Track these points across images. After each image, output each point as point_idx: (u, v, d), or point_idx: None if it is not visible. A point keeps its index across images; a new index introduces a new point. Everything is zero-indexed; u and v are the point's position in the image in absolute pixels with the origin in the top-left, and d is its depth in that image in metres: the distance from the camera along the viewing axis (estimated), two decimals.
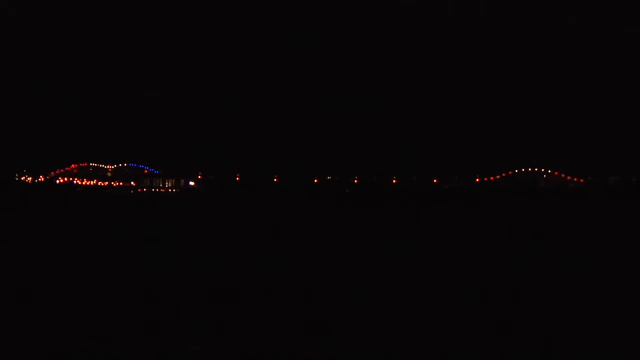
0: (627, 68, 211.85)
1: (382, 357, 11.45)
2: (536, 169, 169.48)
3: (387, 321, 13.98)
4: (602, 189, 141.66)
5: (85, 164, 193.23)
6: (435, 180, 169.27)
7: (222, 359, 11.31)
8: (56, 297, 16.06)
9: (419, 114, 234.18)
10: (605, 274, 21.06)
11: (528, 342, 12.38)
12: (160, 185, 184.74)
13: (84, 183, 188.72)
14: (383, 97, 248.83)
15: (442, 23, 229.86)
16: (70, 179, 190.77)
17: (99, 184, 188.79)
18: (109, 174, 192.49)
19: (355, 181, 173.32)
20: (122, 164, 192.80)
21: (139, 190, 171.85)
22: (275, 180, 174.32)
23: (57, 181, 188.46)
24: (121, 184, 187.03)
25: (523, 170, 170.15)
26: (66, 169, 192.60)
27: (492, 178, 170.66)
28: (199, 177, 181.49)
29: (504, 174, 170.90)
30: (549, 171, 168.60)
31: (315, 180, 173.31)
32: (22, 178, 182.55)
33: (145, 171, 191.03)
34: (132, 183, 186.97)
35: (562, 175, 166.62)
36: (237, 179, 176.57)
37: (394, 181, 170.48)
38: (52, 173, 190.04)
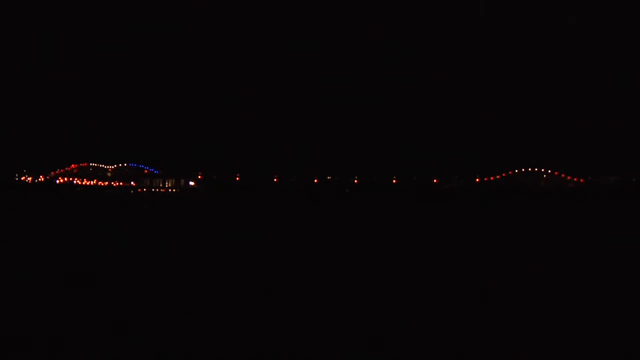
0: (627, 68, 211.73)
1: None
2: (536, 169, 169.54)
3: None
4: (602, 188, 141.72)
5: (85, 164, 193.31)
6: (435, 180, 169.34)
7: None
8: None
9: (419, 114, 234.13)
10: (605, 273, 21.06)
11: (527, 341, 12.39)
12: (160, 185, 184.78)
13: (84, 183, 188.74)
14: (383, 97, 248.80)
15: (442, 23, 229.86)
16: (70, 179, 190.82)
17: (99, 184, 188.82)
18: (109, 174, 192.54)
19: (355, 181, 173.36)
20: (122, 164, 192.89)
21: (139, 190, 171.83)
22: (275, 180, 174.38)
23: (57, 181, 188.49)
24: (121, 184, 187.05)
25: (523, 170, 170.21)
26: (66, 169, 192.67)
27: (492, 178, 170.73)
28: (199, 177, 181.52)
29: (504, 174, 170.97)
30: (549, 171, 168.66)
31: (315, 180, 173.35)
32: (22, 178, 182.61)
33: (145, 171, 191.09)
34: (132, 183, 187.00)
35: (562, 175, 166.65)
36: (237, 179, 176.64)
37: (394, 181, 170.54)
38: (52, 173, 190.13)
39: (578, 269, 22.16)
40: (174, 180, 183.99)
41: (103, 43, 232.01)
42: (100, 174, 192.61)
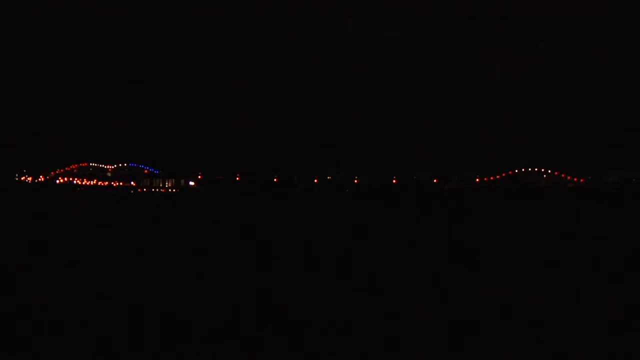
0: (627, 67, 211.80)
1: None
2: (536, 169, 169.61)
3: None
4: (602, 188, 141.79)
5: (85, 164, 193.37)
6: (435, 180, 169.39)
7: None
8: None
9: (419, 114, 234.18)
10: (604, 274, 21.06)
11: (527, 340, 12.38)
12: (160, 185, 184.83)
13: (84, 183, 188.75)
14: (383, 97, 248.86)
15: (442, 23, 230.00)
16: (70, 179, 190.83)
17: (99, 184, 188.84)
18: (109, 174, 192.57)
19: (356, 181, 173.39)
20: (122, 164, 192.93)
21: (139, 190, 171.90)
22: (275, 180, 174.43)
23: (57, 181, 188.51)
24: (121, 184, 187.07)
25: (523, 170, 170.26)
26: (66, 169, 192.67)
27: (492, 178, 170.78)
28: (199, 177, 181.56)
29: (503, 174, 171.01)
30: (549, 171, 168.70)
31: (316, 181, 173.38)
32: (22, 178, 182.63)
33: (145, 171, 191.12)
34: (132, 183, 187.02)
35: (562, 175, 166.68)
36: (237, 179, 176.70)
37: (394, 181, 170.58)
38: (52, 173, 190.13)
39: (578, 268, 22.16)
40: (174, 180, 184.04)
41: (103, 43, 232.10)
42: (100, 174, 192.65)
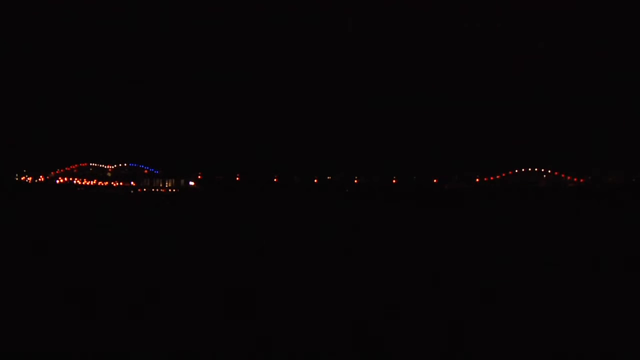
0: (627, 67, 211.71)
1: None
2: (536, 169, 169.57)
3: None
4: (602, 188, 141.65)
5: (85, 164, 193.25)
6: (435, 180, 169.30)
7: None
8: None
9: (418, 114, 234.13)
10: (604, 273, 21.07)
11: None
12: (160, 185, 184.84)
13: (84, 183, 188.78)
14: (382, 97, 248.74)
15: (442, 23, 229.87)
16: (70, 179, 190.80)
17: (99, 184, 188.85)
18: (109, 174, 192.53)
19: (356, 181, 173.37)
20: (122, 164, 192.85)
21: (139, 190, 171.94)
22: (275, 180, 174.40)
23: (57, 181, 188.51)
24: (121, 184, 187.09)
25: (523, 170, 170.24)
26: (66, 169, 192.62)
27: (492, 178, 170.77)
28: (199, 177, 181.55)
29: (503, 174, 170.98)
30: (549, 171, 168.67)
31: (315, 181, 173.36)
32: (22, 178, 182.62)
33: (145, 171, 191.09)
34: (132, 183, 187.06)
35: (562, 175, 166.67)
36: (237, 179, 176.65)
37: (394, 181, 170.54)
38: (52, 173, 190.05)
39: (579, 269, 22.17)
40: (174, 180, 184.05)
41: (103, 43, 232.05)
42: (100, 174, 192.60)
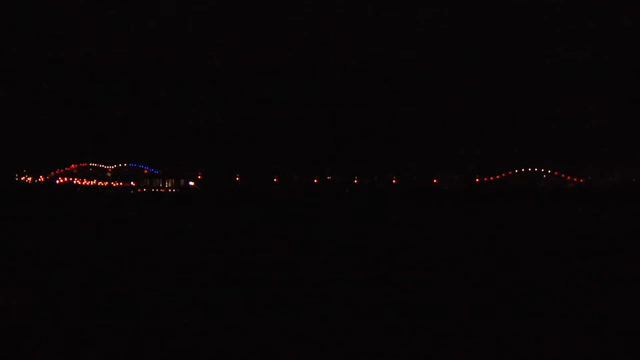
0: (627, 67, 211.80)
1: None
2: (536, 169, 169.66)
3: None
4: (602, 188, 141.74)
5: (85, 164, 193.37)
6: (435, 181, 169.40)
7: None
8: None
9: (418, 114, 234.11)
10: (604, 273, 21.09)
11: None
12: (160, 185, 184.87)
13: (84, 183, 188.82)
14: (382, 96, 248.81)
15: (442, 22, 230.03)
16: (70, 179, 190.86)
17: (99, 184, 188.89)
18: (109, 174, 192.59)
19: (355, 181, 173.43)
20: (122, 164, 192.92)
21: (139, 190, 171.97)
22: (275, 180, 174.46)
23: (57, 181, 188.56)
24: (121, 184, 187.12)
25: (523, 170, 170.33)
26: (66, 169, 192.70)
27: (492, 178, 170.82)
28: (199, 177, 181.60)
29: (503, 174, 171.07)
30: (549, 171, 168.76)
31: (316, 181, 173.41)
32: (22, 178, 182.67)
33: (145, 171, 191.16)
34: (132, 183, 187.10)
35: (562, 176, 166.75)
36: (237, 179, 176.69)
37: (394, 181, 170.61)
38: (52, 173, 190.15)
39: (580, 269, 22.20)
40: (174, 180, 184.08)
41: (103, 42, 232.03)
42: (100, 174, 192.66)
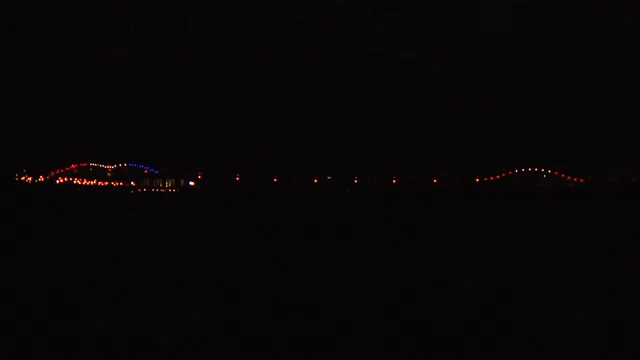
0: (627, 66, 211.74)
1: None
2: (536, 169, 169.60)
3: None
4: (602, 188, 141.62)
5: (85, 164, 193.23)
6: (435, 180, 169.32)
7: None
8: None
9: (418, 113, 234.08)
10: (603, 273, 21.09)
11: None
12: (160, 185, 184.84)
13: (84, 183, 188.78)
14: (382, 96, 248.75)
15: (441, 22, 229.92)
16: (70, 179, 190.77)
17: (99, 184, 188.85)
18: (109, 174, 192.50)
19: (355, 181, 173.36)
20: (122, 164, 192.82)
21: (139, 190, 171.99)
22: (275, 180, 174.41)
23: (57, 181, 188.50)
24: (121, 184, 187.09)
25: (523, 170, 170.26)
26: (66, 169, 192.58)
27: (492, 178, 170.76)
28: (199, 177, 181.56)
29: (503, 174, 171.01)
30: (549, 171, 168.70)
31: (316, 181, 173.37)
32: (22, 178, 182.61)
33: (145, 171, 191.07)
34: (132, 183, 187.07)
35: (562, 175, 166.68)
36: (237, 179, 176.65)
37: (394, 181, 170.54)
38: (52, 173, 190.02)
39: (580, 269, 22.20)
40: (174, 180, 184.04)
41: (103, 42, 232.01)
42: (100, 174, 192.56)
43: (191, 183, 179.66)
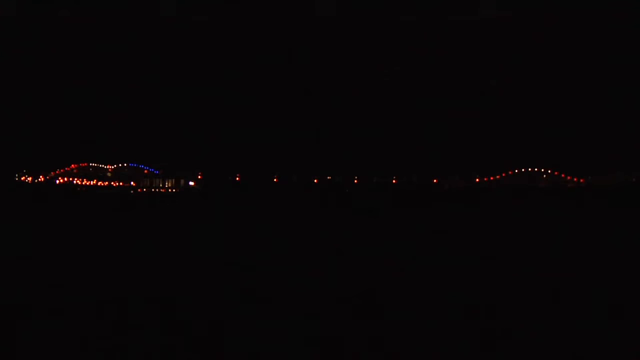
0: (627, 66, 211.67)
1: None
2: (536, 169, 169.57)
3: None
4: (602, 188, 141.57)
5: (85, 164, 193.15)
6: (435, 180, 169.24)
7: None
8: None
9: (418, 113, 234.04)
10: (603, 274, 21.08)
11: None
12: (160, 185, 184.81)
13: (84, 183, 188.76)
14: (382, 96, 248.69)
15: (441, 22, 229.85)
16: (70, 179, 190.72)
17: (99, 184, 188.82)
18: (109, 174, 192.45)
19: (355, 181, 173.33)
20: (122, 164, 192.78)
21: (139, 190, 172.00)
22: (275, 180, 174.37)
23: (57, 181, 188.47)
24: (121, 184, 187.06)
25: (523, 170, 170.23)
26: (66, 169, 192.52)
27: (492, 178, 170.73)
28: (199, 177, 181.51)
29: (503, 174, 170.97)
30: (549, 171, 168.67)
31: (316, 181, 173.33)
32: (22, 178, 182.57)
33: (145, 171, 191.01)
34: (132, 183, 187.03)
35: (562, 175, 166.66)
36: (237, 179, 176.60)
37: (394, 181, 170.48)
38: (52, 173, 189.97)
39: (580, 270, 22.19)
40: (174, 180, 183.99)
41: (102, 42, 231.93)
42: (100, 174, 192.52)
43: (191, 183, 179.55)
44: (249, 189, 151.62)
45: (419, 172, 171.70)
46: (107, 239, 31.28)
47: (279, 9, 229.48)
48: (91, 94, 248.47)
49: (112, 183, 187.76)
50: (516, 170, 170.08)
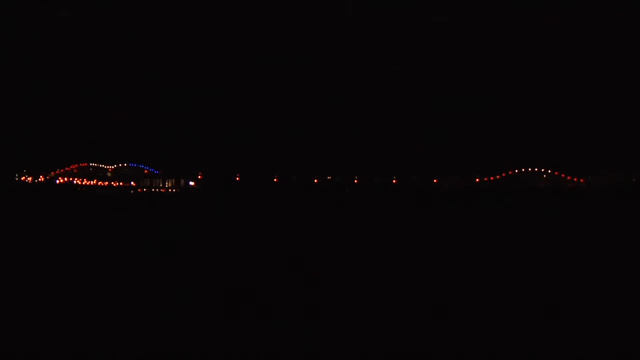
0: (627, 66, 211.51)
1: None
2: (536, 169, 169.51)
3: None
4: (602, 188, 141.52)
5: (85, 164, 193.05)
6: (435, 180, 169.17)
7: None
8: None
9: (418, 113, 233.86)
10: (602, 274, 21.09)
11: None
12: (160, 185, 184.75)
13: (84, 183, 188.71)
14: (382, 96, 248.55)
15: (441, 21, 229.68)
16: (70, 179, 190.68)
17: (99, 184, 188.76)
18: (109, 174, 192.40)
19: (355, 181, 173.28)
20: (122, 164, 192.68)
21: (139, 190, 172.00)
22: (275, 180, 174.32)
23: (57, 181, 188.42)
24: (121, 184, 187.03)
25: (523, 170, 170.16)
26: (66, 169, 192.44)
27: (492, 178, 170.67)
28: (199, 177, 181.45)
29: (503, 174, 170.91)
30: (549, 171, 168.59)
31: (316, 181, 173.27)
32: (22, 178, 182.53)
33: (145, 171, 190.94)
34: (132, 183, 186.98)
35: (562, 175, 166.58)
36: (237, 179, 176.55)
37: (394, 181, 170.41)
38: (52, 173, 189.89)
39: (581, 270, 22.19)
40: (174, 180, 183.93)
41: (102, 42, 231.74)
42: (100, 174, 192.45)
43: (191, 183, 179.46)
44: (249, 189, 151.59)
45: (419, 172, 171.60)
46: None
47: (278, 9, 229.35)
48: (91, 94, 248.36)
49: (112, 183, 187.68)
50: (516, 170, 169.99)
